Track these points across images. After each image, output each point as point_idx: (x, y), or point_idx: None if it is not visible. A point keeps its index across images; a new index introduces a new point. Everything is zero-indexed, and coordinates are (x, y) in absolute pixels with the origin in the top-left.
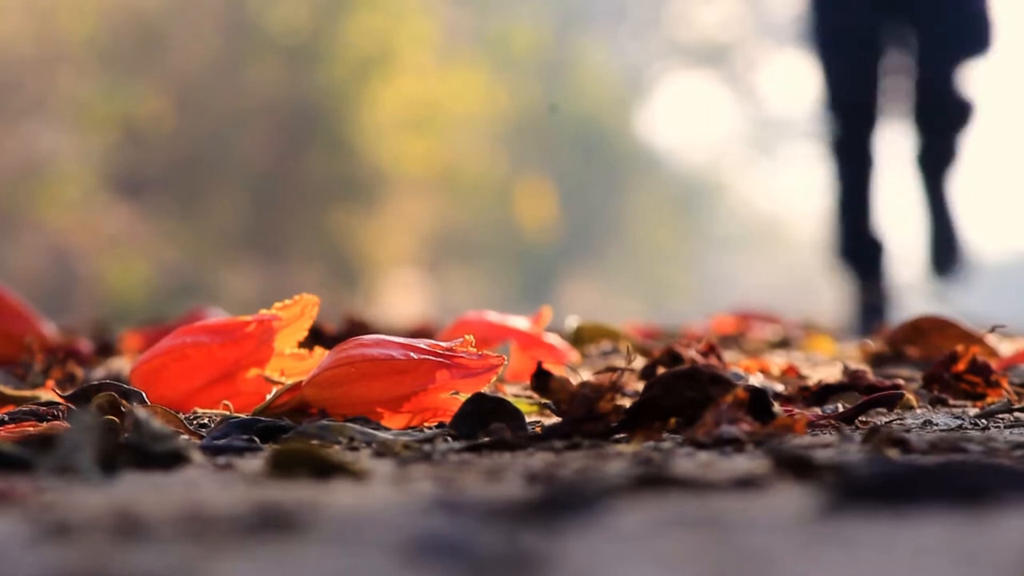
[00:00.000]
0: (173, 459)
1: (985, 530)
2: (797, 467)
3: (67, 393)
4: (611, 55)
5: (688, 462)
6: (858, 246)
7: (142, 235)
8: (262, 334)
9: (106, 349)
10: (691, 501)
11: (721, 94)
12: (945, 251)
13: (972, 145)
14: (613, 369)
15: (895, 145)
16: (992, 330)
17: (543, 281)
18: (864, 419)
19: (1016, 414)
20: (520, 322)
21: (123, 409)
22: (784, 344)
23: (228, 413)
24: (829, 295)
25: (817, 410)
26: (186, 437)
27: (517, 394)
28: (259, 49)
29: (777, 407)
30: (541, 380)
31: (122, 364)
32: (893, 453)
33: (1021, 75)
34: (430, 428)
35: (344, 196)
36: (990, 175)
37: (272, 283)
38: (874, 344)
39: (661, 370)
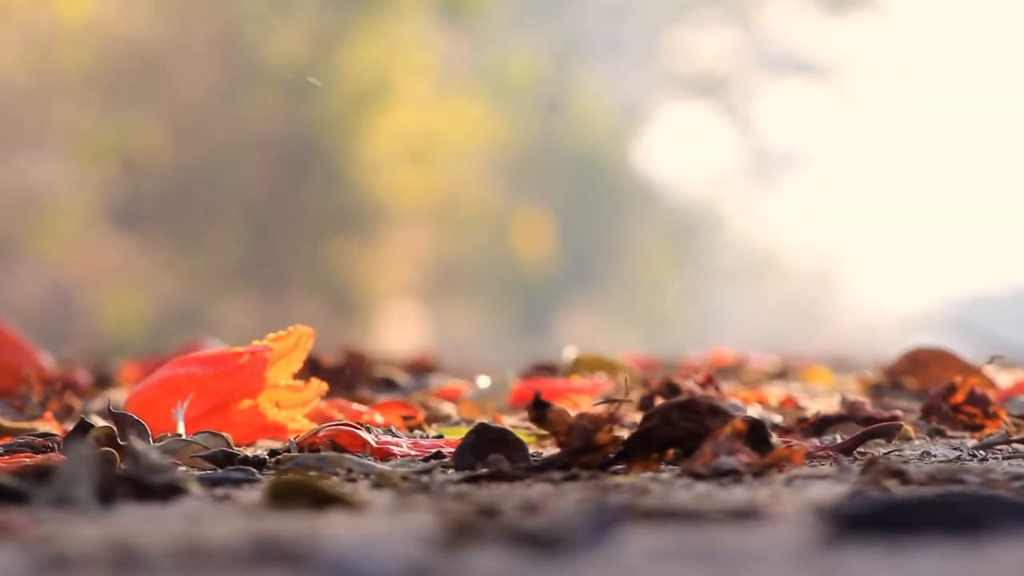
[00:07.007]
0: (171, 491)
1: (983, 561)
2: None
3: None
4: (609, 86)
5: (686, 493)
6: None
7: (140, 267)
8: (254, 365)
9: (104, 381)
10: (689, 532)
11: (719, 125)
12: None
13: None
14: (611, 400)
15: None
16: (990, 361)
17: (541, 312)
18: (862, 450)
19: (1014, 445)
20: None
21: (120, 441)
22: (782, 375)
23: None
24: (828, 327)
25: (815, 441)
26: (183, 468)
27: (515, 425)
28: (257, 81)
29: (775, 438)
30: (539, 411)
31: (120, 395)
32: (891, 484)
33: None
34: (428, 459)
35: (342, 228)
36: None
37: (270, 315)
38: (872, 375)
39: (659, 401)
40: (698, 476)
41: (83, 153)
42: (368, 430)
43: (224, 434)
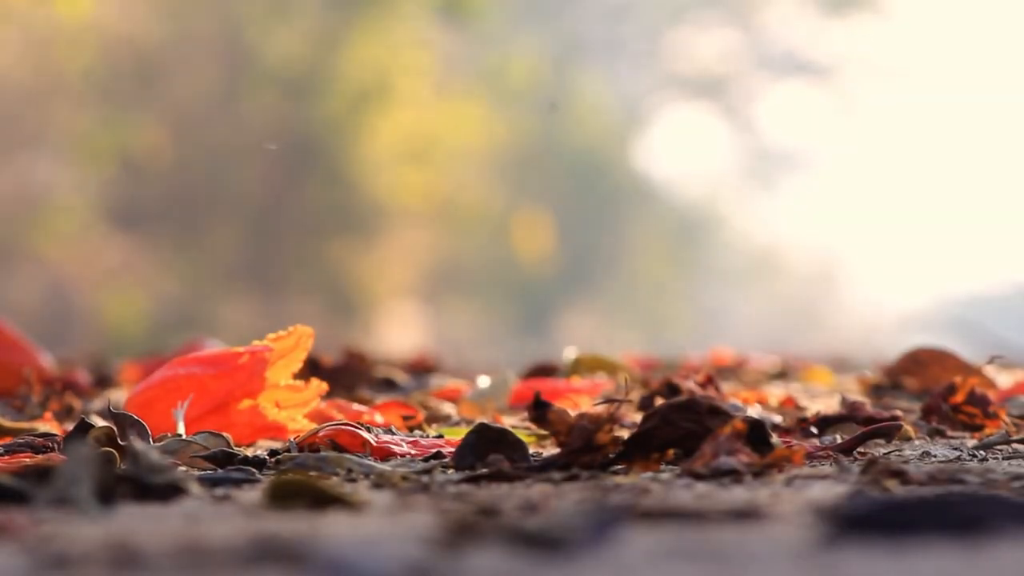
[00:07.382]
0: (171, 491)
1: (983, 561)
2: None
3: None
4: (609, 87)
5: (686, 493)
6: None
7: (140, 267)
8: (254, 365)
9: (104, 381)
10: (689, 532)
11: (719, 126)
12: None
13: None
14: (611, 400)
15: None
16: (990, 361)
17: (541, 312)
18: (862, 450)
19: (1014, 445)
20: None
21: (120, 441)
22: (782, 375)
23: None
24: (828, 327)
25: (815, 441)
26: (183, 468)
27: (515, 425)
28: (257, 82)
29: (775, 438)
30: (539, 411)
31: (120, 395)
32: (891, 484)
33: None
34: (428, 459)
35: (342, 228)
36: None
37: (270, 315)
38: (872, 375)
39: (659, 401)
40: (698, 476)
41: (83, 153)
42: (368, 430)
43: (224, 434)
